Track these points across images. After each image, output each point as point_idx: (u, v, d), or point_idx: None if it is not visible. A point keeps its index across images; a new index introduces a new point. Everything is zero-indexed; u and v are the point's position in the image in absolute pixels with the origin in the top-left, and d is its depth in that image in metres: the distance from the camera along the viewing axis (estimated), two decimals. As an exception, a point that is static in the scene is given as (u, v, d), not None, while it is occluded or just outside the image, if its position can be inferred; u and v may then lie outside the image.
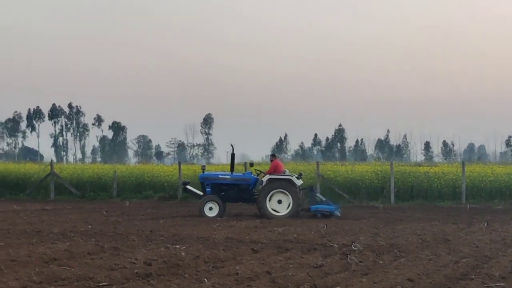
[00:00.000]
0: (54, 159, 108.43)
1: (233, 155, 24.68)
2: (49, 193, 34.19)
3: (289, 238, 16.09)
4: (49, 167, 35.74)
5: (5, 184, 35.49)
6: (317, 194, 24.49)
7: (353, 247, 14.11)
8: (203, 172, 24.11)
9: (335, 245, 14.67)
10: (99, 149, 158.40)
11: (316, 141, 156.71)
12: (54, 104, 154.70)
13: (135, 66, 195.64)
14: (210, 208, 22.74)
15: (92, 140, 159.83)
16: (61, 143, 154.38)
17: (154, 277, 10.53)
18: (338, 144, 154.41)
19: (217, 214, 22.48)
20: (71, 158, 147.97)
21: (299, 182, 23.33)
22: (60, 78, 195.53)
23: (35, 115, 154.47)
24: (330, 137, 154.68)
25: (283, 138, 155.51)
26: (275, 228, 18.54)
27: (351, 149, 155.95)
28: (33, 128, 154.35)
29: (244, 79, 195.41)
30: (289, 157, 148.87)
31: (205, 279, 10.32)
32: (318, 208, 23.40)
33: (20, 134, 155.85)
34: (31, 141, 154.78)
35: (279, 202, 22.97)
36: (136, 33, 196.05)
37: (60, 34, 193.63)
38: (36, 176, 35.85)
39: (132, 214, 23.51)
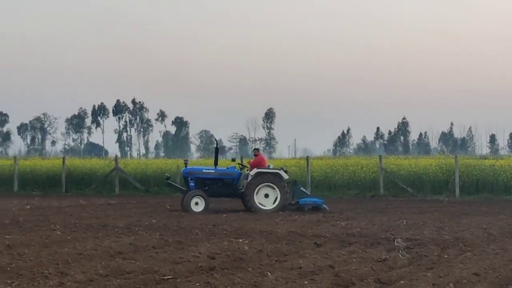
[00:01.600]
0: (119, 155, 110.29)
1: (217, 149, 24.51)
2: (114, 188, 34.72)
3: (352, 232, 16.00)
4: (114, 162, 36.29)
5: (72, 179, 36.16)
6: (300, 188, 24.19)
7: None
8: (186, 166, 23.57)
9: (399, 239, 14.51)
10: (162, 144, 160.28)
11: (378, 134, 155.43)
12: (118, 100, 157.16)
13: (197, 62, 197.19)
14: (196, 203, 22.20)
15: (155, 135, 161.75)
16: (125, 139, 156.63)
17: (218, 270, 10.59)
18: (401, 138, 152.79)
19: (202, 209, 22.02)
20: (134, 154, 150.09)
21: (286, 176, 23.17)
22: (124, 74, 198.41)
23: (99, 111, 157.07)
24: (393, 130, 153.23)
25: (345, 132, 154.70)
26: (338, 222, 18.46)
27: (414, 142, 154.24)
28: (97, 124, 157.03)
29: (306, 73, 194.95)
30: (351, 151, 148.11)
31: (268, 273, 10.33)
32: (306, 202, 23.24)
33: (85, 130, 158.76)
34: (96, 137, 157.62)
35: (266, 196, 22.74)
36: (196, 27, 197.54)
37: (123, 32, 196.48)
38: (101, 171, 36.44)
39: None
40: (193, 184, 22.85)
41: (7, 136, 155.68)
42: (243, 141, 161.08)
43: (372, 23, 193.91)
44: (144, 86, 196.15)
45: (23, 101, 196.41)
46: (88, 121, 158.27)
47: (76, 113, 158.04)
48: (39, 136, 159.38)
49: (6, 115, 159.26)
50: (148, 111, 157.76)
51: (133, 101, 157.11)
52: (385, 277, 10.01)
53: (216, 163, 23.76)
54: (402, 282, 9.64)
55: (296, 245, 13.60)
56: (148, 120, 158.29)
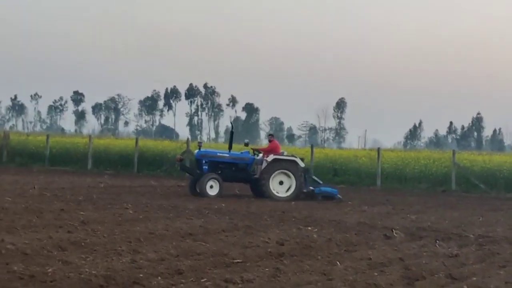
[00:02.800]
0: (189, 138, 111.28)
1: (232, 133, 24.18)
2: (185, 170, 35.03)
3: (423, 225, 15.81)
4: (185, 145, 36.68)
5: (144, 160, 36.70)
6: (312, 177, 23.84)
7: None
8: (200, 149, 23.11)
9: (471, 236, 14.28)
10: (232, 129, 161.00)
11: (451, 129, 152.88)
12: (191, 84, 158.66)
13: (270, 48, 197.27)
14: (211, 186, 21.68)
15: (225, 120, 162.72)
16: (196, 123, 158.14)
17: (287, 257, 10.62)
18: (475, 133, 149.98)
19: (217, 193, 21.58)
20: (205, 138, 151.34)
21: (302, 164, 22.79)
22: (198, 58, 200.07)
23: (172, 94, 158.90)
24: (466, 125, 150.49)
25: (417, 125, 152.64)
26: (408, 215, 18.27)
27: (487, 138, 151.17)
28: (170, 107, 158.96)
29: (380, 63, 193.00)
30: (422, 144, 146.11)
31: (338, 262, 10.31)
32: (322, 191, 22.91)
33: (157, 112, 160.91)
34: (167, 120, 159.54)
35: (281, 183, 22.38)
36: (272, 15, 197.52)
37: (199, 16, 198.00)
38: (173, 153, 36.80)
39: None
40: (206, 167, 22.37)
41: (82, 115, 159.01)
42: (313, 129, 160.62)
43: (447, 12, 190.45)
44: (216, 71, 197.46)
45: (98, 81, 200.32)
46: (160, 103, 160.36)
47: (149, 95, 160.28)
48: (113, 117, 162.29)
49: (82, 94, 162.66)
50: (219, 96, 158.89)
51: (205, 86, 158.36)
52: (456, 273, 9.87)
53: (230, 147, 23.38)
54: (474, 278, 9.49)
55: (365, 236, 13.52)
56: (219, 105, 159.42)
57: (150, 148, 38.17)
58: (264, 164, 22.34)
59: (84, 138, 44.85)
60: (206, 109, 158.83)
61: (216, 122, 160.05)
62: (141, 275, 8.51)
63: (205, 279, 8.52)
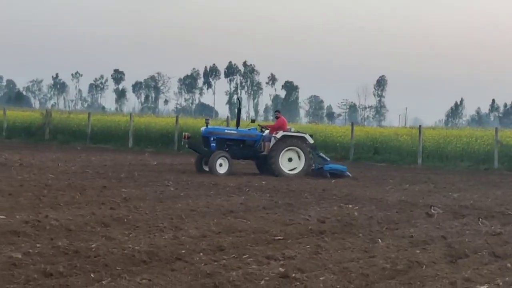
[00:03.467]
0: (229, 116, 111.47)
1: (239, 110, 23.76)
2: (224, 148, 35.09)
3: (465, 204, 15.64)
4: (225, 123, 36.73)
5: (184, 138, 36.81)
6: (320, 154, 23.44)
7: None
8: (207, 126, 22.40)
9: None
10: (271, 107, 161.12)
11: (493, 107, 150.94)
12: (230, 62, 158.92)
13: (308, 25, 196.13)
14: (220, 164, 21.19)
15: (265, 98, 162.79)
16: (235, 101, 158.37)
17: (328, 234, 10.60)
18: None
19: (226, 171, 21.13)
20: (244, 116, 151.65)
21: (311, 141, 22.45)
22: (236, 36, 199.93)
23: (211, 73, 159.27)
24: (509, 103, 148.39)
25: (458, 103, 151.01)
26: (450, 193, 18.10)
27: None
28: (209, 85, 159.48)
29: (421, 40, 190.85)
30: (464, 122, 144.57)
31: (379, 240, 10.27)
32: (332, 168, 22.63)
33: (197, 91, 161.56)
34: (207, 98, 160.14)
35: (290, 160, 22.01)
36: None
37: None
38: (213, 131, 36.90)
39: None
40: (214, 144, 21.87)
41: (122, 94, 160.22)
42: (353, 108, 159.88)
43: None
44: (256, 49, 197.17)
45: (138, 60, 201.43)
46: (200, 82, 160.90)
47: (189, 74, 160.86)
48: (153, 95, 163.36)
49: (122, 73, 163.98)
50: (259, 74, 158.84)
51: (245, 64, 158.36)
52: (500, 251, 9.76)
53: (238, 124, 22.93)
54: (518, 257, 9.37)
55: (407, 214, 13.44)
56: (259, 83, 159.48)
57: (191, 126, 38.22)
58: (273, 141, 21.99)
59: (124, 116, 45.16)
60: (246, 87, 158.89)
61: (255, 101, 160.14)
62: (183, 251, 8.57)
63: (246, 256, 8.55)
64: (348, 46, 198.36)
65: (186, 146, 22.72)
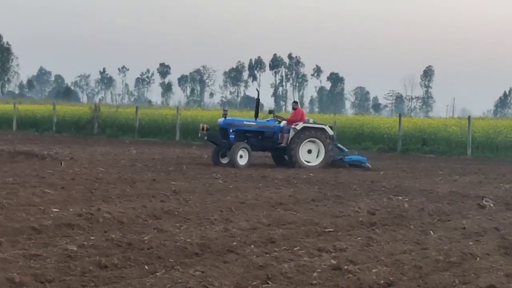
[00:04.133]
0: (275, 108, 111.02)
1: (258, 100, 23.02)
2: (271, 141, 35.08)
3: (517, 195, 15.41)
4: (271, 115, 36.70)
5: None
6: (337, 145, 22.98)
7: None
8: (225, 117, 21.90)
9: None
10: (316, 99, 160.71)
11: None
12: (275, 55, 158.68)
13: (354, 15, 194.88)
14: (241, 156, 20.73)
15: (310, 90, 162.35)
16: (280, 93, 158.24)
17: (379, 226, 10.54)
18: None
19: (246, 163, 20.74)
20: (289, 108, 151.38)
21: (331, 132, 22.03)
22: (281, 28, 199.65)
23: (256, 65, 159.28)
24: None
25: (507, 93, 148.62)
26: (501, 184, 17.86)
27: None
28: (254, 78, 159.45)
29: (468, 30, 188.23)
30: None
31: (431, 232, 10.18)
32: (352, 159, 22.28)
33: (242, 84, 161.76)
34: (252, 90, 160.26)
35: (309, 151, 21.57)
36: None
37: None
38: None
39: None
40: (233, 136, 21.39)
41: (168, 87, 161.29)
42: (399, 98, 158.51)
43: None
44: (301, 40, 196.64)
45: (184, 54, 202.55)
46: (245, 74, 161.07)
47: (234, 67, 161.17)
48: (198, 88, 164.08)
49: (168, 66, 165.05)
50: (304, 66, 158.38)
51: (290, 56, 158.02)
52: (555, 243, 9.59)
53: (256, 115, 22.26)
54: None
55: (458, 206, 13.30)
56: (304, 75, 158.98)
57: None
58: (292, 133, 21.53)
59: (171, 110, 45.46)
60: (291, 79, 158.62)
61: (300, 93, 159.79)
62: (234, 243, 8.61)
63: (298, 248, 8.55)
64: (394, 37, 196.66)
65: (205, 138, 22.18)
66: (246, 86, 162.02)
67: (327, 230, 10.00)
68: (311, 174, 18.77)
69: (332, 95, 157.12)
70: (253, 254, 8.08)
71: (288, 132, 21.63)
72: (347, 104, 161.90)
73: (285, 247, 8.58)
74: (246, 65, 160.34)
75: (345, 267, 7.53)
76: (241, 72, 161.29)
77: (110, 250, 7.94)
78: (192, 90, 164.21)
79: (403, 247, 8.96)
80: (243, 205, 12.12)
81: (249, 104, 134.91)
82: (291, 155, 21.40)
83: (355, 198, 13.91)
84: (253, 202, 12.47)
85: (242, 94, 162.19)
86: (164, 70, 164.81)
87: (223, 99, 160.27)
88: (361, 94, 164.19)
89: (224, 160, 21.18)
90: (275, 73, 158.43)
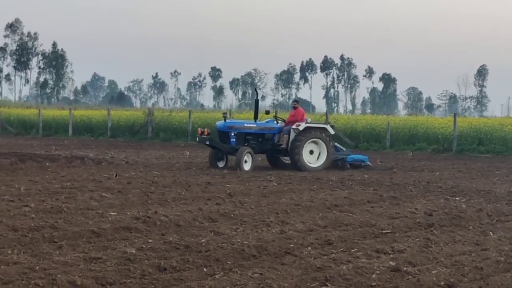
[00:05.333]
0: (325, 111, 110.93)
1: (257, 101, 21.94)
2: (324, 143, 34.96)
3: None
4: (324, 117, 36.62)
5: (283, 133, 36.89)
6: (335, 144, 22.03)
7: None
8: (225, 120, 20.84)
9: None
10: (369, 100, 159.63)
11: None
12: (325, 56, 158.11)
13: (405, 15, 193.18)
14: (245, 161, 19.73)
15: (362, 91, 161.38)
16: (332, 95, 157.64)
17: (437, 227, 10.41)
18: None
19: (250, 167, 19.72)
20: (341, 110, 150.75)
21: (332, 132, 21.18)
22: (332, 30, 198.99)
23: (307, 67, 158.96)
24: None
25: None
26: (561, 184, 17.48)
27: None
28: (305, 80, 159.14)
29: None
30: None
31: (490, 232, 10.02)
32: (355, 159, 21.67)
33: (293, 86, 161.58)
34: (303, 92, 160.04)
35: (311, 152, 20.61)
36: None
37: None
38: (312, 126, 36.79)
39: (406, 165, 23.33)
40: (234, 140, 20.45)
41: (220, 91, 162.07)
42: (452, 98, 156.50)
43: None
44: (352, 42, 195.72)
45: (235, 57, 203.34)
46: (296, 76, 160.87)
47: (285, 69, 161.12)
48: (250, 91, 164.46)
49: (219, 70, 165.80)
50: (355, 67, 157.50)
51: (341, 57, 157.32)
52: None
53: (256, 117, 21.30)
54: None
55: (517, 206, 13.06)
56: (356, 76, 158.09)
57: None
58: (293, 133, 20.52)
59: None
60: (342, 81, 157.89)
61: (352, 94, 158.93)
62: (291, 245, 8.60)
63: (355, 249, 8.50)
64: (447, 36, 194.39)
65: (206, 143, 20.66)
66: (297, 88, 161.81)
67: (384, 231, 9.92)
68: (366, 176, 18.65)
69: (384, 96, 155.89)
70: (310, 256, 8.06)
71: (288, 133, 20.72)
72: (400, 105, 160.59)
73: (342, 249, 8.54)
74: (298, 67, 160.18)
75: (404, 268, 7.47)
76: (292, 74, 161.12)
77: (168, 252, 8.00)
78: (244, 93, 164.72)
79: (462, 248, 8.84)
80: (299, 207, 12.11)
81: (301, 106, 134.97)
82: (294, 157, 20.39)
83: (411, 199, 13.77)
84: (309, 204, 12.45)
85: (293, 96, 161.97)
86: (215, 73, 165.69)
87: (275, 101, 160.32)
88: (414, 95, 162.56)
89: (221, 164, 20.45)
90: (326, 74, 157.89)
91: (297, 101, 22.90)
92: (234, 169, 19.53)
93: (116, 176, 16.52)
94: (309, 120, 21.48)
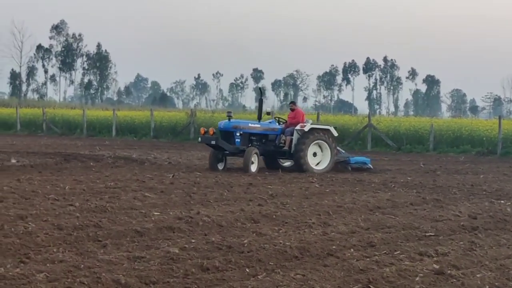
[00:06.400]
0: (367, 112, 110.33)
1: (261, 100, 21.36)
2: (366, 145, 34.84)
3: None
4: (367, 119, 36.42)
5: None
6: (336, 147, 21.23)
7: None
8: (229, 120, 19.84)
9: None
10: (412, 102, 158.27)
11: None
12: (368, 58, 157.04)
13: (449, 15, 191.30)
14: (252, 162, 18.98)
15: (405, 93, 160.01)
16: (374, 97, 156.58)
17: (481, 230, 10.30)
18: None
19: (256, 169, 18.99)
20: (383, 111, 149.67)
21: (336, 134, 20.56)
22: (375, 32, 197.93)
23: (350, 69, 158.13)
24: None
25: None
26: None
27: None
28: (348, 82, 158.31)
29: None
30: None
31: (537, 237, 9.87)
32: (358, 161, 21.01)
33: (335, 88, 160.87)
34: (345, 94, 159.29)
35: (314, 155, 19.96)
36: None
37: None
38: (354, 128, 36.69)
39: (449, 168, 23.10)
40: (239, 140, 19.52)
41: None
42: (497, 101, 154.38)
43: None
44: (396, 43, 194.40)
45: (277, 58, 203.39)
46: (338, 78, 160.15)
47: (328, 70, 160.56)
48: (291, 93, 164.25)
49: (261, 71, 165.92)
50: (398, 69, 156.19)
51: (385, 59, 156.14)
52: None
53: (260, 117, 20.69)
54: None
55: None
56: (398, 78, 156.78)
57: (332, 123, 38.04)
58: (296, 135, 19.85)
59: (266, 115, 45.56)
60: (385, 82, 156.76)
61: (395, 96, 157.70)
62: (334, 247, 8.58)
63: (398, 252, 8.45)
64: (492, 37, 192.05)
65: (212, 142, 19.46)
66: (339, 90, 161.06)
67: (428, 234, 9.84)
68: (409, 178, 18.50)
69: (427, 98, 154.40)
70: (353, 257, 8.03)
71: (291, 134, 19.99)
72: (443, 107, 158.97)
73: (385, 251, 8.49)
74: (340, 69, 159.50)
75: (448, 271, 7.40)
76: (334, 76, 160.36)
77: (211, 252, 8.05)
78: (286, 95, 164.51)
79: (507, 252, 8.73)
80: (341, 208, 12.08)
81: (343, 108, 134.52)
82: (300, 159, 19.68)
83: (455, 202, 13.64)
84: (351, 206, 12.41)
85: (335, 98, 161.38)
86: (257, 75, 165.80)
87: (317, 103, 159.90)
88: (458, 97, 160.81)
89: (220, 166, 19.62)
90: (369, 76, 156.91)
91: (294, 102, 22.30)
92: (235, 171, 19.09)
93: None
94: (310, 121, 20.75)
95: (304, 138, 19.80)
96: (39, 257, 7.54)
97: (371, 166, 21.21)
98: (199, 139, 20.21)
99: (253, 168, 19.01)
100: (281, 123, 20.79)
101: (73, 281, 6.49)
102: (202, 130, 20.10)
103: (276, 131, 20.31)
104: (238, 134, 19.62)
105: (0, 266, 7.00)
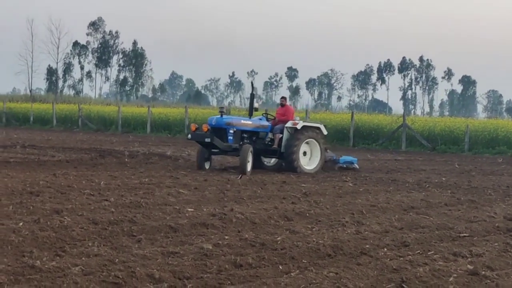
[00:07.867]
0: (402, 112, 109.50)
1: (252, 96, 20.25)
2: (400, 144, 34.68)
3: None
4: (401, 119, 36.23)
5: (359, 134, 36.73)
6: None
7: None
8: (222, 116, 18.69)
9: None
10: (447, 103, 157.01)
11: None
12: (404, 57, 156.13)
13: (487, 15, 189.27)
14: (248, 161, 17.91)
15: (440, 93, 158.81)
16: (409, 96, 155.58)
17: (517, 232, 10.19)
18: None
19: (251, 168, 17.91)
20: (418, 112, 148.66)
21: (325, 132, 19.63)
22: (412, 31, 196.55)
23: (385, 68, 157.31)
24: None
25: None
26: None
27: None
28: (383, 81, 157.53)
29: None
30: None
31: None
32: (346, 160, 20.28)
33: (370, 87, 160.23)
34: (380, 94, 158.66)
35: (304, 154, 19.07)
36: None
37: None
38: (388, 128, 36.53)
39: (484, 169, 22.89)
40: (232, 137, 18.45)
41: (296, 91, 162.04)
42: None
43: None
44: (432, 43, 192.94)
45: (312, 57, 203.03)
46: (373, 77, 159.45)
47: (363, 70, 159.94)
48: (326, 92, 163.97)
49: (295, 70, 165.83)
50: (434, 69, 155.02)
51: (421, 58, 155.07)
52: None
53: (251, 114, 19.78)
54: None
55: None
56: (434, 78, 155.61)
57: (366, 122, 38.05)
58: (286, 133, 18.95)
59: (299, 113, 45.57)
60: (420, 82, 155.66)
61: (430, 96, 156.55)
62: (367, 246, 8.56)
63: (432, 252, 8.40)
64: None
65: (206, 140, 18.17)
66: (374, 90, 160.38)
67: (462, 235, 9.76)
68: (443, 179, 18.38)
69: (463, 99, 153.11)
70: (386, 257, 8.01)
71: (281, 132, 19.10)
72: (479, 108, 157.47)
73: (419, 251, 8.45)
74: (375, 68, 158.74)
75: (483, 272, 7.34)
76: (369, 75, 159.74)
77: (244, 249, 8.07)
78: (320, 94, 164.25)
79: (543, 254, 8.63)
80: (374, 208, 12.04)
81: (377, 107, 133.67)
82: (292, 159, 18.74)
83: (490, 203, 13.52)
84: (384, 206, 12.36)
85: (370, 98, 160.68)
86: (292, 73, 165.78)
87: (351, 102, 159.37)
88: (494, 98, 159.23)
89: (207, 165, 18.62)
90: (404, 76, 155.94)
91: (284, 97, 20.65)
92: (223, 170, 18.49)
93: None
94: (297, 118, 19.57)
95: (296, 136, 18.89)
96: (74, 251, 7.63)
97: (357, 166, 20.40)
98: (189, 136, 18.86)
99: (249, 167, 17.90)
100: (269, 120, 19.81)
101: (108, 274, 6.56)
102: (193, 126, 18.97)
103: (266, 128, 19.33)
104: (231, 131, 18.55)
105: (36, 259, 7.09)
